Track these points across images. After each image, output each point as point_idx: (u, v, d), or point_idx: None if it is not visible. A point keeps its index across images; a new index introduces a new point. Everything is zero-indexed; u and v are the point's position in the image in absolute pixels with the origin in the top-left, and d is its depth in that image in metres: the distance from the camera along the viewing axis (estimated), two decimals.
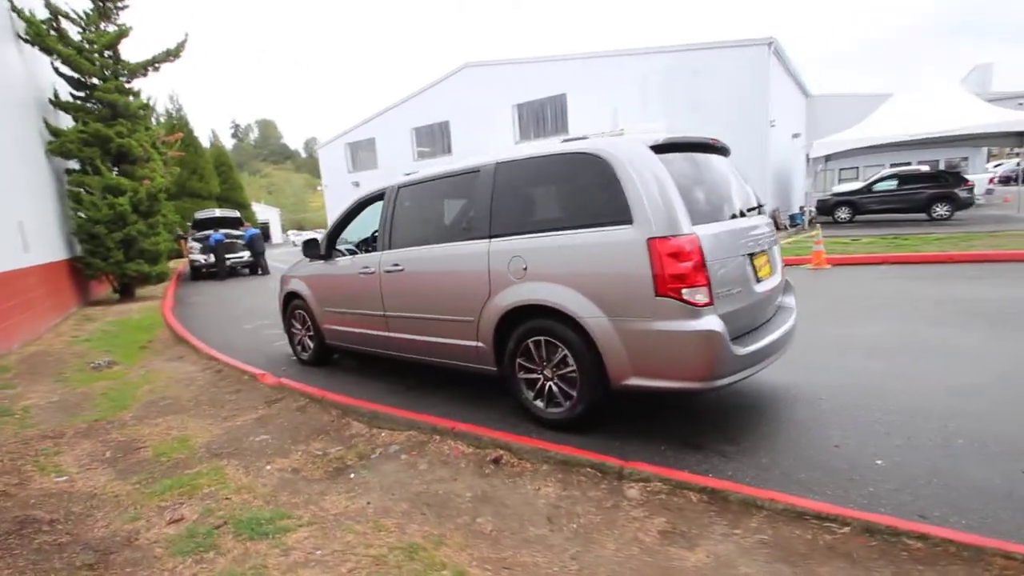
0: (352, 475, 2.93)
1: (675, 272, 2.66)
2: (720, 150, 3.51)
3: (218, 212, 18.15)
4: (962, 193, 15.20)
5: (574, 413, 3.14)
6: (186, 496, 2.75)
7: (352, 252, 5.07)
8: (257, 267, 17.05)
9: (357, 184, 28.16)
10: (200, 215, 17.91)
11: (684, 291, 2.67)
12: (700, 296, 2.68)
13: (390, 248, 4.22)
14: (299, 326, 5.44)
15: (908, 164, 21.89)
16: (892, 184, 16.63)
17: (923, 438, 2.87)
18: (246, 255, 16.85)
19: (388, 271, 4.15)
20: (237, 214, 18.62)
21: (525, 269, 3.20)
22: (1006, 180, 27.35)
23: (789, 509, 2.18)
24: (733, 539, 2.10)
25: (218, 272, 15.94)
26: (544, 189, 3.41)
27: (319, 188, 36.01)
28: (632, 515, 2.32)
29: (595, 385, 3.01)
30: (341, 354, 5.47)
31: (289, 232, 54.27)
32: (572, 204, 3.23)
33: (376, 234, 5.42)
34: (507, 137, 21.78)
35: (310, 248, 4.96)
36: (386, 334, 4.30)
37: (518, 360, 3.36)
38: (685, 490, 2.40)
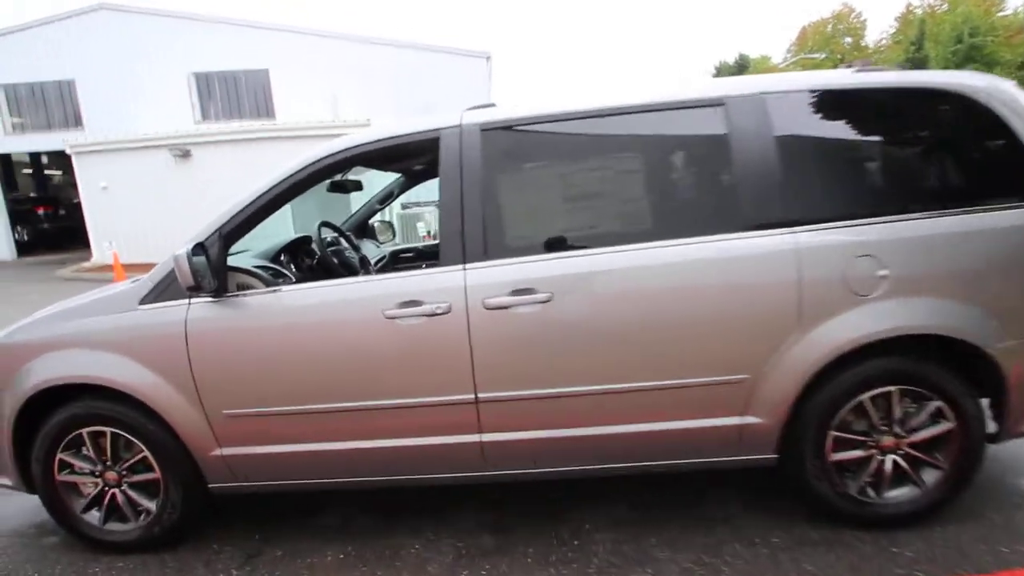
0: None
1: None
2: None
3: None
4: None
5: (935, 497, 2.06)
6: None
7: (276, 274, 2.36)
8: None
9: None
10: None
11: None
12: None
13: (487, 258, 2.02)
14: (91, 468, 2.28)
15: None
16: None
17: None
18: None
19: (496, 307, 1.98)
20: None
21: (883, 276, 1.89)
22: None
23: None
24: None
25: None
26: (879, 144, 2.20)
27: None
28: None
29: (980, 444, 2.04)
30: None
31: None
32: (932, 169, 2.15)
33: (326, 240, 2.80)
34: (183, 112, 16.47)
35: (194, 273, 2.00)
36: (476, 440, 2.09)
37: (832, 433, 2.00)
38: None
